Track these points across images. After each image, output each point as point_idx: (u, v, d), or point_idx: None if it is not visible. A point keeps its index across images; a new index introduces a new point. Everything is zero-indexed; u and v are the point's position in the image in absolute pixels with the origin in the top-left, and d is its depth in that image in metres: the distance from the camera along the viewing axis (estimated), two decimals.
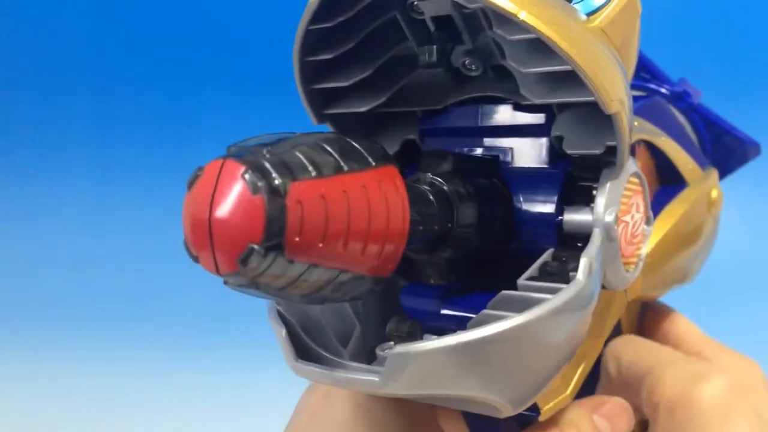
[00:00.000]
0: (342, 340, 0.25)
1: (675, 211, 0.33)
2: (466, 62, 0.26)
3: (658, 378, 0.28)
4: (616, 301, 0.29)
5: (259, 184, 0.16)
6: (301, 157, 0.17)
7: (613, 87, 0.22)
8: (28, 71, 1.46)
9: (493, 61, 0.25)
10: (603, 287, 0.25)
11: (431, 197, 0.22)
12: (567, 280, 0.22)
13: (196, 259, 0.17)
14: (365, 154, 0.19)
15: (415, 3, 0.24)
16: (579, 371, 0.26)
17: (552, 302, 0.21)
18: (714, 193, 0.37)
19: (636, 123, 0.31)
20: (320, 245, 0.17)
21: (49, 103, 1.44)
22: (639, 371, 0.29)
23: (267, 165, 0.16)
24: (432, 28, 0.25)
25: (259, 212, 0.16)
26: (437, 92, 0.27)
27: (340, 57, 0.25)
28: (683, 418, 0.27)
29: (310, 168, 0.17)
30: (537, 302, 0.21)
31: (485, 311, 0.22)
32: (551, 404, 0.24)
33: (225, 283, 0.18)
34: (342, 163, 0.18)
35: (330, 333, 0.25)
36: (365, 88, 0.26)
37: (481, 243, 0.24)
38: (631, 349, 0.30)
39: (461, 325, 0.23)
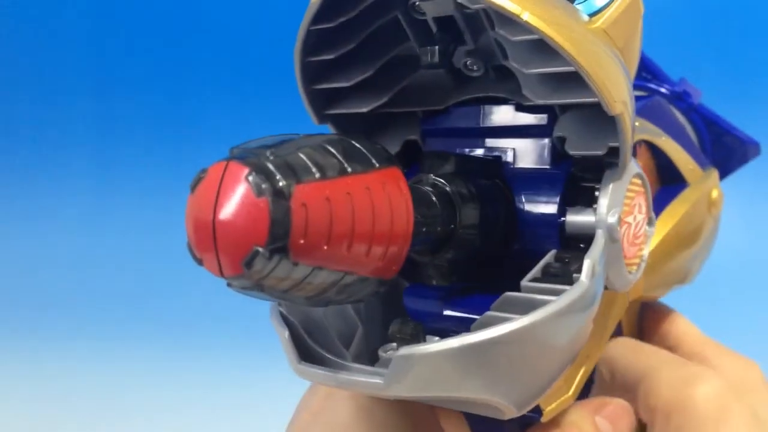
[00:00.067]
0: (345, 342, 0.25)
1: (676, 211, 0.33)
2: (468, 63, 0.26)
3: (653, 382, 0.28)
4: (618, 302, 0.29)
5: (264, 186, 0.16)
6: (304, 158, 0.17)
7: (616, 88, 0.22)
8: (28, 71, 1.46)
9: (495, 61, 0.25)
10: (605, 288, 0.25)
11: (434, 198, 0.22)
12: (570, 282, 0.22)
13: (199, 262, 0.17)
14: (369, 156, 0.19)
15: (417, 3, 0.24)
16: (581, 372, 0.26)
17: (556, 304, 0.21)
18: (714, 193, 0.37)
19: (637, 123, 0.31)
20: (325, 247, 0.17)
21: (49, 103, 1.44)
22: (634, 376, 0.29)
23: (271, 167, 0.16)
24: (434, 28, 0.25)
25: (263, 215, 0.16)
26: (439, 93, 0.27)
27: (341, 57, 0.25)
28: (680, 422, 0.27)
29: (314, 170, 0.17)
30: (541, 304, 0.21)
31: (490, 313, 0.22)
32: (554, 405, 0.24)
33: (229, 285, 0.17)
34: (346, 165, 0.18)
35: (333, 334, 0.25)
36: (366, 88, 0.26)
37: (483, 244, 0.24)
38: (624, 353, 0.30)
39: (464, 326, 0.23)
